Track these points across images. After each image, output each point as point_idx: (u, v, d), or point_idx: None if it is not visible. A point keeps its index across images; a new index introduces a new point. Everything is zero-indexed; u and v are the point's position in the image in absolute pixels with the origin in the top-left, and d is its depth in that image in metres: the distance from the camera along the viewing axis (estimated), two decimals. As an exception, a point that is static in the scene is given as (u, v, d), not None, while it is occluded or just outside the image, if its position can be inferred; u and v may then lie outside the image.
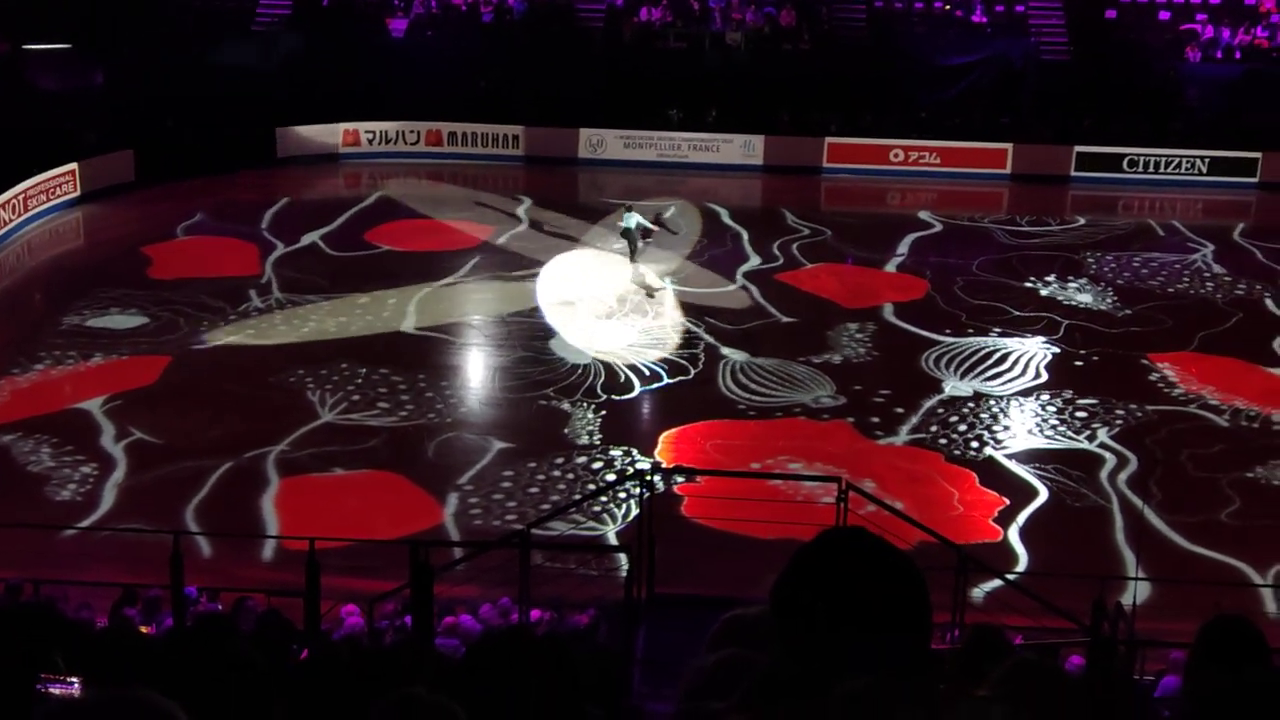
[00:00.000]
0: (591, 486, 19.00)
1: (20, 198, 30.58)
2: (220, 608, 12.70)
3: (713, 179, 36.49)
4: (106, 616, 12.09)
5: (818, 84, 37.94)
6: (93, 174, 33.07)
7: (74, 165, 32.60)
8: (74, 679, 3.71)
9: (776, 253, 29.91)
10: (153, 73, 35.39)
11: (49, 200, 31.75)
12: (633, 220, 28.32)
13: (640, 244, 28.75)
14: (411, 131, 37.66)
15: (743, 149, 37.55)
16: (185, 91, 35.05)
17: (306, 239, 30.17)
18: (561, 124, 37.59)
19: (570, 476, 19.46)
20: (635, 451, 20.23)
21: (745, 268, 28.87)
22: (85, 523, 18.02)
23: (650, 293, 27.30)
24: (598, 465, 19.81)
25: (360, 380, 22.65)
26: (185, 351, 23.93)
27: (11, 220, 30.10)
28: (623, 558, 13.79)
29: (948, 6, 40.47)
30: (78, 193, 32.66)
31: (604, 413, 21.52)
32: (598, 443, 20.54)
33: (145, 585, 13.11)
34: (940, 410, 21.84)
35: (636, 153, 37.62)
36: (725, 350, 24.21)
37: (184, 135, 34.86)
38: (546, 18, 39.75)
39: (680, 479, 18.55)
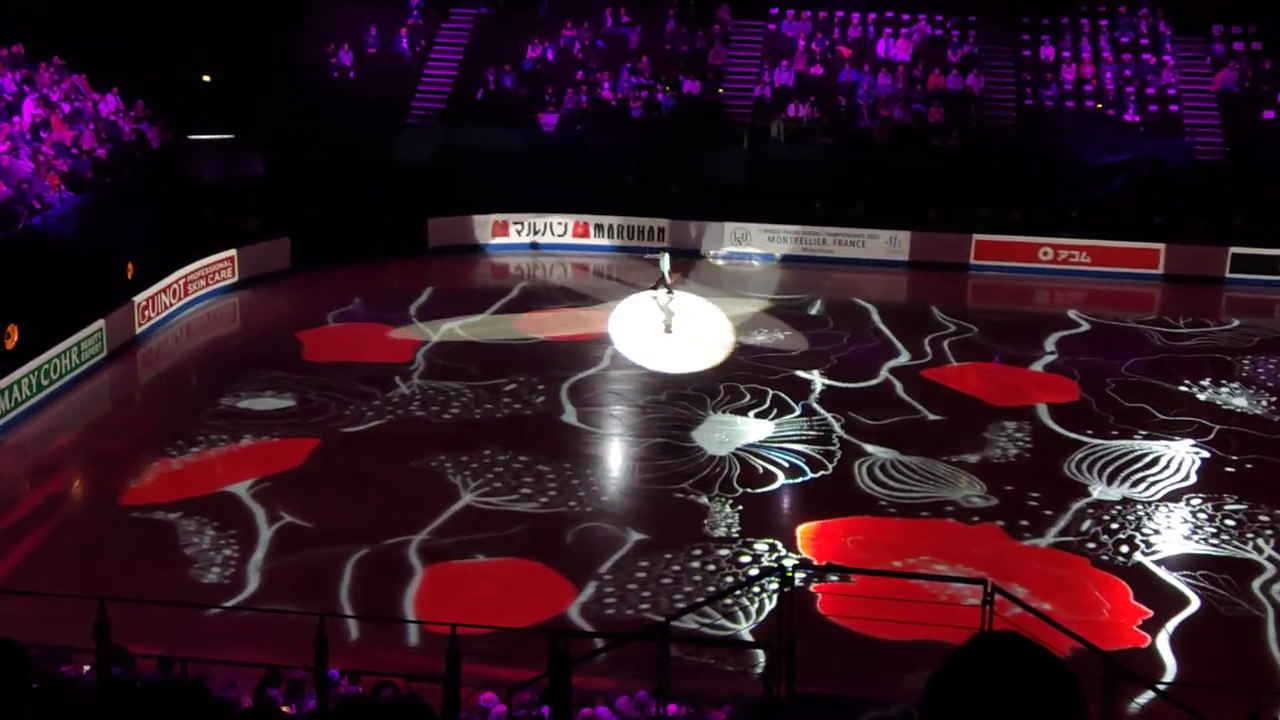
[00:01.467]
0: (730, 580, 18.88)
1: (182, 282, 31.58)
2: (360, 690, 12.80)
3: (858, 274, 36.40)
4: (251, 696, 12.25)
5: (965, 180, 37.75)
6: (251, 260, 34.05)
7: (233, 251, 33.61)
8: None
9: (927, 348, 29.66)
10: (310, 163, 36.46)
11: (208, 285, 32.73)
12: (666, 263, 32.66)
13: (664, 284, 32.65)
14: (559, 223, 38.21)
15: (889, 244, 37.42)
16: (341, 181, 36.02)
17: (454, 327, 30.65)
18: (706, 217, 37.86)
19: (710, 568, 19.35)
20: (776, 545, 20.08)
21: (893, 363, 28.64)
22: (230, 603, 18.35)
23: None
24: (744, 559, 19.68)
25: (502, 467, 22.85)
26: (333, 434, 24.38)
27: (172, 304, 31.07)
28: (760, 654, 13.64)
29: (1099, 105, 40.08)
30: (236, 278, 33.63)
31: (741, 507, 21.43)
32: (735, 536, 20.43)
33: (289, 666, 13.28)
34: (1089, 513, 21.36)
35: (780, 247, 37.71)
36: (868, 447, 23.98)
37: (338, 224, 35.75)
38: (694, 112, 40.18)
39: (834, 577, 18.33)
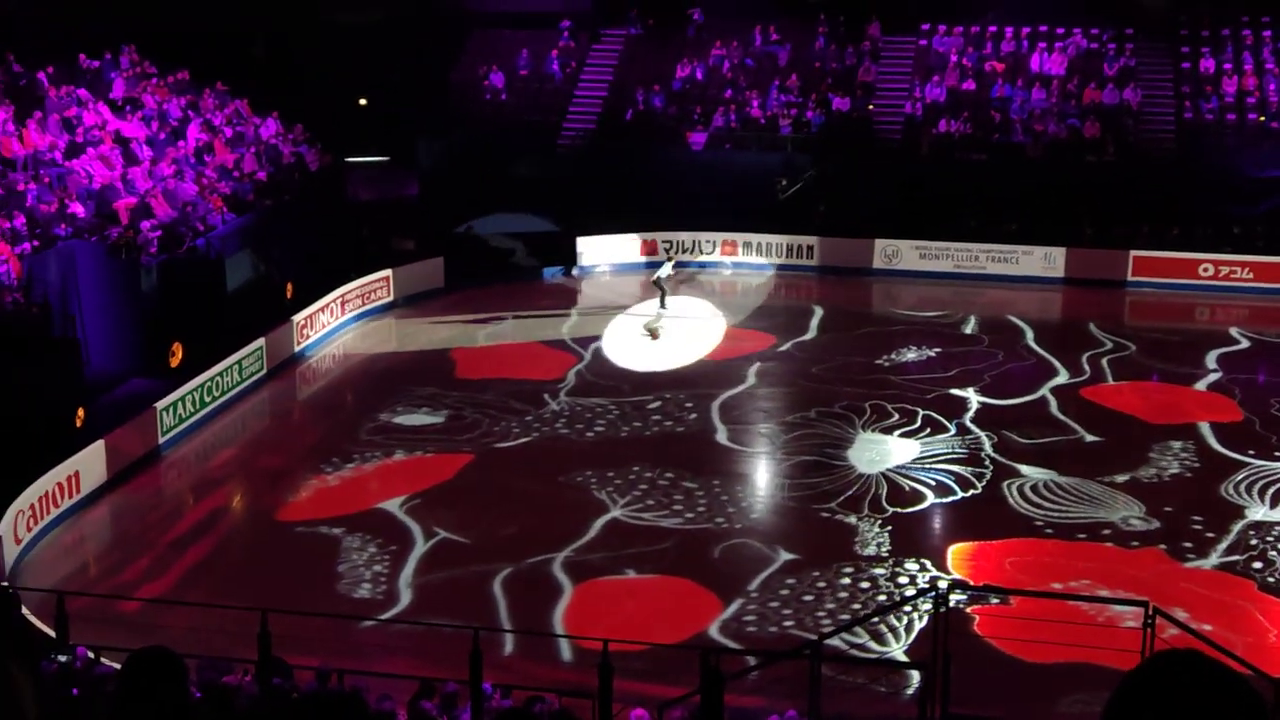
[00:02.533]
0: (881, 599, 18.71)
1: (339, 301, 32.25)
2: (510, 704, 12.90)
3: (1011, 291, 35.83)
4: (404, 709, 12.43)
5: (1122, 196, 36.96)
6: (406, 280, 34.63)
7: (389, 271, 34.21)
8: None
9: (1085, 366, 29.09)
10: (462, 184, 36.99)
11: (365, 304, 33.37)
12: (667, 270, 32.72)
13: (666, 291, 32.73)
14: (708, 241, 38.24)
15: (1043, 261, 36.78)
16: (493, 202, 36.49)
17: (603, 345, 30.84)
18: (857, 234, 37.60)
19: (860, 587, 19.20)
20: (927, 565, 19.86)
21: (1051, 382, 28.10)
22: (384, 616, 18.67)
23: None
24: (895, 579, 19.48)
25: (649, 484, 22.93)
26: (486, 450, 24.69)
27: (330, 323, 31.74)
28: (914, 675, 13.46)
29: (1262, 119, 38.97)
30: (391, 297, 34.23)
31: (890, 527, 21.22)
32: (886, 555, 20.25)
33: (441, 680, 13.45)
34: (1252, 535, 20.74)
35: (932, 264, 37.29)
36: (1022, 467, 23.58)
37: (490, 244, 36.21)
38: (844, 129, 39.96)
39: (994, 599, 18.05)
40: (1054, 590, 18.48)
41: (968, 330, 32.25)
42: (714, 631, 18.12)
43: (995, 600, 18.15)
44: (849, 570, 19.74)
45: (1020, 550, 20.50)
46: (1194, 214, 36.79)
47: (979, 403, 26.85)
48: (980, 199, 37.54)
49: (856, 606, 18.61)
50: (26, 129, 30.21)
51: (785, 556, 20.26)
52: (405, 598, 19.45)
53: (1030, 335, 31.67)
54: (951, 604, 14.69)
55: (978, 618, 17.90)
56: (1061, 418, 26.06)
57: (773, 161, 38.85)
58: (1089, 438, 25.09)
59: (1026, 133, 39.13)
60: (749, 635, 17.92)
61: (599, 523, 21.54)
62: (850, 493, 22.48)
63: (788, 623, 18.20)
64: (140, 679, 3.87)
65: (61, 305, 25.74)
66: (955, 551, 20.50)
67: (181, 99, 35.03)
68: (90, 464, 22.86)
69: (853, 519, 21.51)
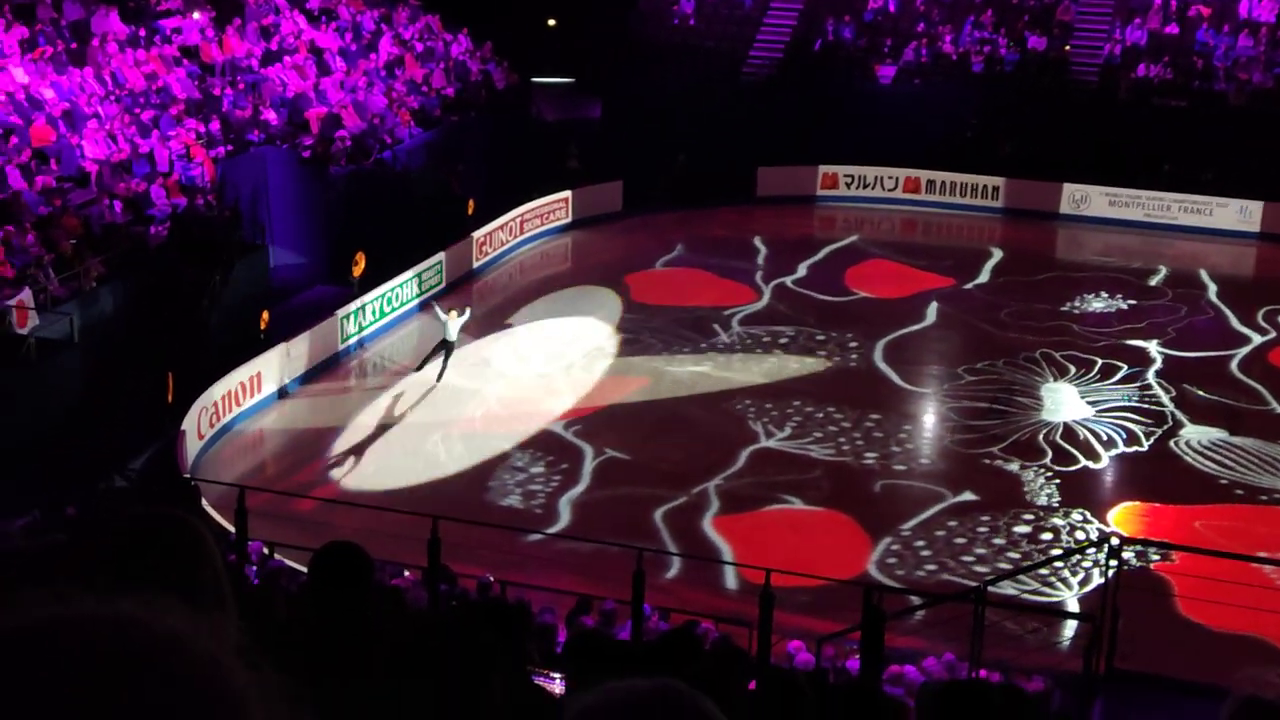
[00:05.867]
0: (1052, 550, 18.43)
1: (518, 221, 32.54)
2: (666, 627, 13.00)
3: (1202, 243, 34.65)
4: (563, 623, 12.61)
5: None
6: (584, 202, 34.78)
7: (568, 193, 34.39)
8: (555, 674, 3.85)
9: (1265, 324, 28.04)
10: (646, 109, 36.92)
11: (543, 225, 33.62)
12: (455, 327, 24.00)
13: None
14: (890, 177, 37.65)
15: (1238, 214, 35.47)
16: (674, 128, 36.35)
17: (778, 278, 30.66)
18: (1045, 178, 36.67)
19: (1025, 535, 18.92)
20: (1094, 518, 19.49)
21: (1237, 339, 27.18)
22: (551, 530, 18.97)
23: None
24: (1063, 531, 19.16)
25: (820, 416, 22.84)
26: (657, 374, 24.84)
27: (508, 241, 32.07)
28: (1078, 627, 13.22)
29: None
30: (569, 219, 34.43)
31: (1059, 478, 20.83)
32: (1054, 505, 19.91)
33: (600, 598, 13.61)
34: None
35: (1122, 211, 36.22)
36: (1200, 425, 22.91)
37: (670, 170, 36.14)
38: (1039, 69, 38.92)
39: (1155, 555, 17.63)
40: (1238, 554, 17.96)
41: (1154, 282, 31.33)
42: (872, 569, 18.05)
43: (1165, 558, 17.70)
44: (1015, 518, 19.47)
45: (1211, 514, 19.92)
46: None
47: (1161, 355, 26.12)
48: (1176, 147, 36.30)
49: (1015, 555, 18.37)
50: (226, 35, 30.95)
51: (949, 500, 20.05)
52: (567, 515, 19.73)
53: (1217, 290, 30.64)
54: (1126, 559, 14.39)
55: (1153, 573, 17.50)
56: (1243, 378, 25.23)
57: (963, 98, 38.03)
58: (1273, 400, 24.26)
59: (1229, 81, 37.67)
60: (902, 577, 17.83)
61: (754, 453, 21.57)
62: (1021, 439, 22.11)
63: (939, 565, 18.07)
64: (331, 570, 3.99)
65: (252, 210, 26.45)
66: (1131, 507, 20.07)
67: (375, 12, 35.55)
68: (272, 366, 23.52)
69: (1019, 466, 21.17)
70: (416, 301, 27.62)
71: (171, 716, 1.08)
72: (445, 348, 23.92)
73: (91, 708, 1.05)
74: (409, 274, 27.68)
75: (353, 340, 25.73)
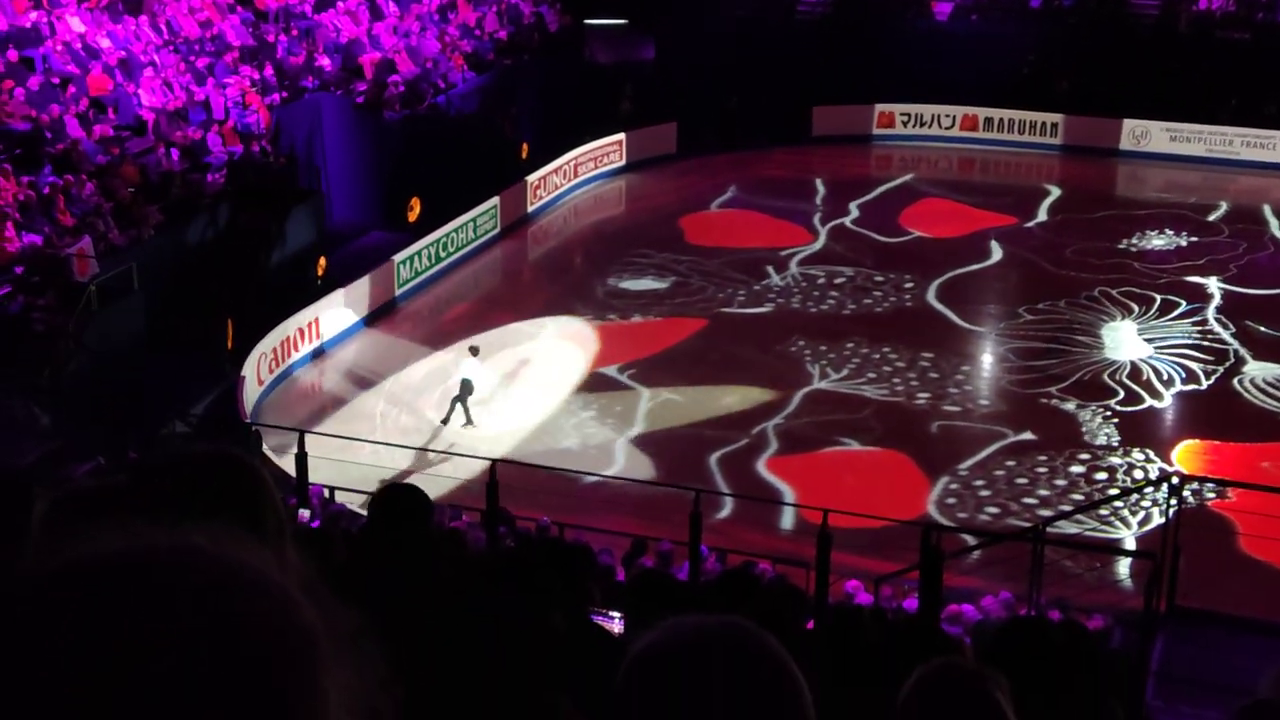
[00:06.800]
0: (1108, 489, 18.32)
1: (571, 164, 32.48)
2: (723, 568, 13.04)
3: (1266, 178, 34.09)
4: (620, 564, 12.69)
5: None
6: (638, 144, 34.64)
7: (621, 135, 34.26)
8: (614, 613, 3.88)
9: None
10: (699, 50, 36.63)
11: (597, 168, 33.54)
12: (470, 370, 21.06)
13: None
14: (947, 115, 37.24)
15: (1302, 147, 34.88)
16: (728, 69, 36.08)
17: (833, 219, 30.48)
18: (1104, 114, 36.15)
19: (1084, 474, 18.82)
20: (1155, 456, 19.37)
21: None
22: (607, 472, 19.03)
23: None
24: (1123, 469, 19.03)
25: (864, 359, 22.76)
26: (713, 315, 24.81)
27: (562, 185, 32.03)
28: (1138, 565, 13.15)
29: None
30: (623, 162, 34.31)
31: (1117, 417, 20.67)
32: (1114, 445, 19.78)
33: (655, 539, 13.66)
34: None
35: (1183, 147, 35.67)
36: (1263, 362, 22.65)
37: (724, 111, 35.90)
38: (1098, 2, 38.30)
39: (1211, 493, 17.50)
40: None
41: (1213, 218, 30.89)
42: (932, 509, 18.03)
43: (1224, 495, 17.55)
44: (1074, 458, 19.36)
45: (1277, 453, 19.72)
46: None
47: (1221, 291, 25.80)
48: (1239, 80, 35.68)
49: (1077, 496, 18.28)
50: (279, -18, 30.93)
51: (1008, 438, 19.96)
52: (622, 457, 19.79)
53: (1277, 225, 30.21)
54: (1186, 496, 14.29)
55: (1215, 512, 17.38)
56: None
57: (1021, 34, 37.52)
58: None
59: (1294, 11, 36.95)
60: (964, 520, 17.79)
61: (812, 394, 21.55)
62: (1081, 378, 21.95)
63: (998, 506, 18.03)
64: (392, 508, 4.03)
65: (307, 156, 26.51)
66: (1190, 446, 19.92)
67: (427, -44, 35.38)
68: (330, 312, 23.66)
69: (1076, 405, 21.03)
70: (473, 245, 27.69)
71: (244, 646, 1.08)
72: (465, 390, 20.84)
73: (168, 636, 1.05)
74: (464, 218, 27.71)
75: (406, 286, 25.80)
